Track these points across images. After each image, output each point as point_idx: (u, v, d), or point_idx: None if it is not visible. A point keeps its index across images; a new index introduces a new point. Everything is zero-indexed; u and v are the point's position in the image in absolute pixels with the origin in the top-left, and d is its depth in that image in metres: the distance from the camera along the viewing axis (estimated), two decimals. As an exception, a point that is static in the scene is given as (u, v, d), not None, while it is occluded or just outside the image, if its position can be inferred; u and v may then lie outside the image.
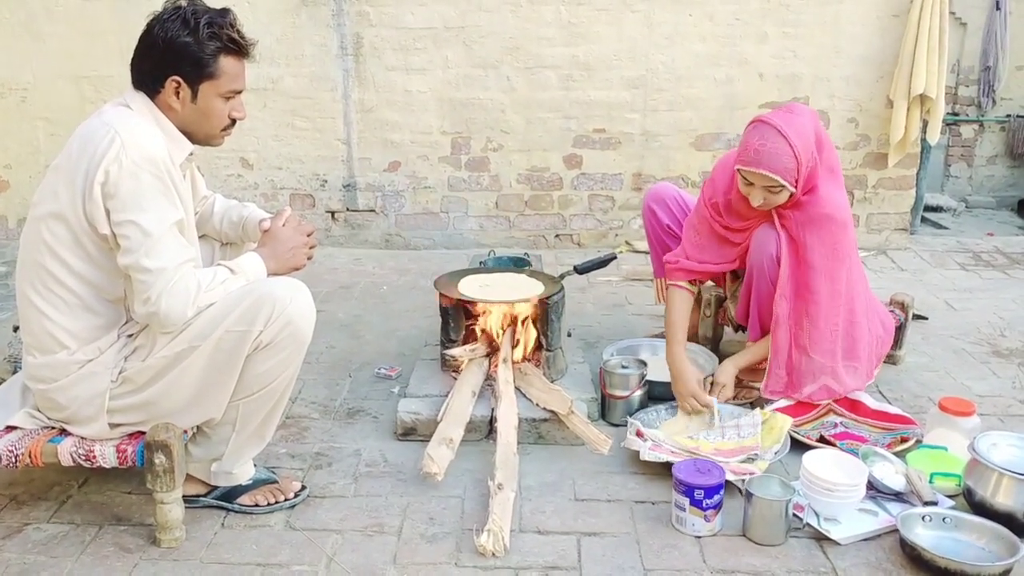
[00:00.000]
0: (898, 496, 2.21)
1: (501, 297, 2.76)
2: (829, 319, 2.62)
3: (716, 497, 2.08)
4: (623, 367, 2.71)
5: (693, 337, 3.20)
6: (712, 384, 2.71)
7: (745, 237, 2.73)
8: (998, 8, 6.66)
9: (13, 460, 2.00)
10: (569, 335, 3.07)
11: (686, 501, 2.08)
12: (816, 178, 2.55)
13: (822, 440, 2.50)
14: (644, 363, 2.76)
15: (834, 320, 2.62)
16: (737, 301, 2.90)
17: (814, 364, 2.63)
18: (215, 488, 2.21)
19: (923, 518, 2.08)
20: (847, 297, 2.64)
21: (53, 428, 2.08)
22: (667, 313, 2.83)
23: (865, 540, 2.08)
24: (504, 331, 2.80)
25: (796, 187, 2.50)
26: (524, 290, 2.81)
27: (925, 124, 4.62)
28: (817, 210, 2.56)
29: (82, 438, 2.04)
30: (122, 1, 4.41)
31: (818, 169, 2.54)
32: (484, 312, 2.80)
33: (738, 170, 2.54)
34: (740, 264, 2.81)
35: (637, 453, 2.38)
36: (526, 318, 2.80)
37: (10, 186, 4.80)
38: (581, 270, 3.01)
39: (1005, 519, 2.05)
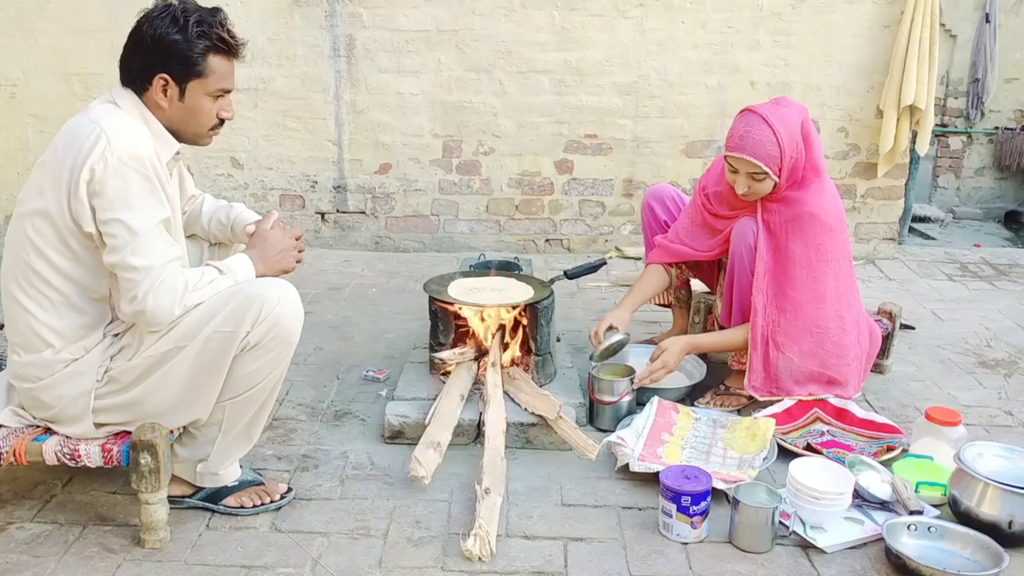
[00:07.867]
0: (884, 505, 2.22)
1: (491, 301, 2.76)
2: (809, 320, 2.63)
3: (703, 504, 2.08)
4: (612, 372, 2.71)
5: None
6: (656, 349, 2.77)
7: (728, 226, 2.77)
8: (988, 21, 6.72)
9: (-4, 458, 1.98)
10: (558, 340, 3.06)
11: (673, 507, 2.08)
12: (802, 171, 2.60)
13: (809, 448, 2.50)
14: (632, 369, 2.76)
15: (816, 323, 2.63)
16: (722, 294, 2.89)
17: (793, 364, 2.64)
18: (200, 489, 2.19)
19: (909, 527, 2.08)
20: (836, 305, 2.64)
21: (38, 427, 2.06)
22: (635, 283, 2.98)
23: (851, 548, 2.09)
24: (493, 335, 2.79)
25: (780, 176, 2.55)
26: (514, 294, 2.80)
27: (914, 135, 4.65)
28: (802, 208, 2.60)
29: (67, 437, 2.02)
30: (114, -1, 4.39)
31: (803, 163, 2.59)
32: (473, 316, 2.79)
33: (724, 157, 2.61)
34: (719, 253, 2.87)
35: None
36: (516, 322, 2.80)
37: (-3, 183, 4.77)
38: (571, 275, 3.01)
39: (990, 529, 2.06)
